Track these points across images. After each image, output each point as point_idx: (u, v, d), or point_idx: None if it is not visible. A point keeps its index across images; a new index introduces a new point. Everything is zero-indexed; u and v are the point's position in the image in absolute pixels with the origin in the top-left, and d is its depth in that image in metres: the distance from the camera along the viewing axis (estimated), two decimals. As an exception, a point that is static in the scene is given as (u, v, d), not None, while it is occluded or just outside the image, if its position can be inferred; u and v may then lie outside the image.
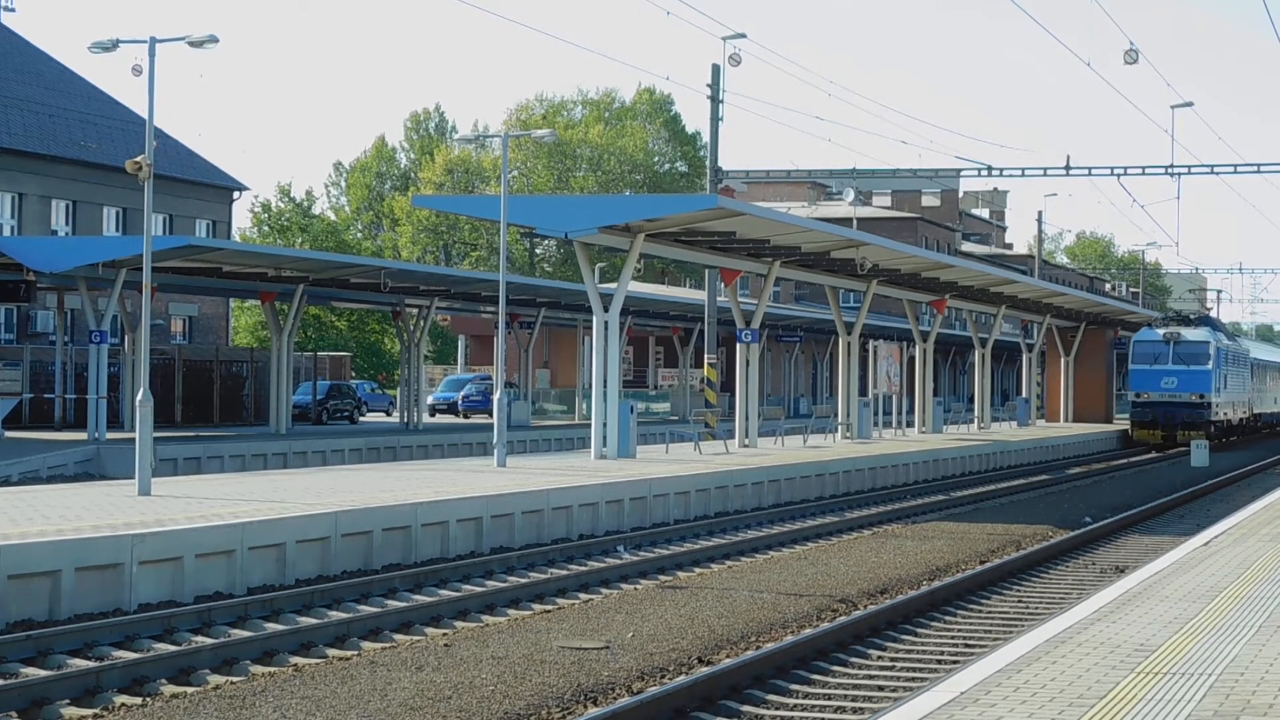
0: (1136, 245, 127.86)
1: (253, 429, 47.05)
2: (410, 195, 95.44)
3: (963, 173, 51.76)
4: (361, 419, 59.26)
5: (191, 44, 22.57)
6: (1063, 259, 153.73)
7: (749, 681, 12.98)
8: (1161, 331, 57.53)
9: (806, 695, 13.02)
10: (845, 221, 77.93)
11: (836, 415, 46.42)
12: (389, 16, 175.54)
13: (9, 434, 39.27)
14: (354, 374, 78.01)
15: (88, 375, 40.64)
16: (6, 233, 51.88)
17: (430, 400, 65.50)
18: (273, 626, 15.97)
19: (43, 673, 13.38)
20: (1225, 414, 58.76)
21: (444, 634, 15.58)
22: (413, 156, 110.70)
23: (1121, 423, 62.75)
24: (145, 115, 23.05)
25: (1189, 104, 55.23)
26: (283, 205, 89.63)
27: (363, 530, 20.20)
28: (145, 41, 22.61)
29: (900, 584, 19.10)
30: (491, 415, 42.26)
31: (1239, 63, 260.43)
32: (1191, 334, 57.12)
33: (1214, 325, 60.99)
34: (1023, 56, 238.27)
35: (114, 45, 23.03)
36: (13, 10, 62.12)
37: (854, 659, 14.51)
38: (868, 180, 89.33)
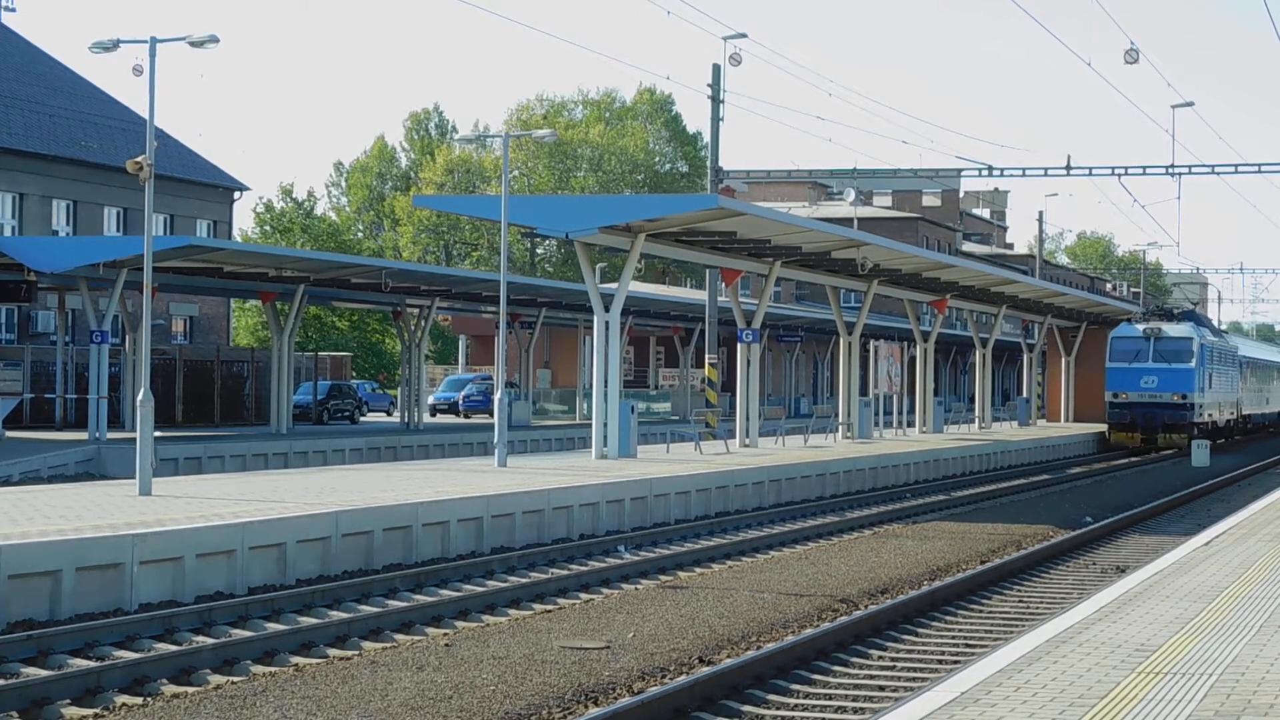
0: (1137, 245, 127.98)
1: (253, 429, 47.06)
2: (411, 195, 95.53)
3: (963, 173, 51.75)
4: (362, 419, 59.27)
5: (192, 44, 22.57)
6: (1063, 259, 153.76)
7: (750, 681, 12.98)
8: (1141, 327, 54.16)
9: (807, 695, 13.02)
10: (846, 221, 77.93)
11: (837, 415, 46.43)
12: (389, 16, 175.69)
13: (10, 434, 39.27)
14: (355, 374, 78.02)
15: (89, 375, 40.66)
16: (7, 233, 51.87)
17: (431, 400, 65.56)
18: (273, 626, 15.97)
19: (43, 673, 13.38)
20: (1210, 415, 55.50)
21: (445, 634, 15.58)
22: (413, 156, 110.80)
23: None
24: (146, 115, 23.05)
25: (1189, 104, 55.22)
26: (285, 205, 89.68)
27: (363, 530, 20.20)
28: (146, 41, 22.62)
29: (901, 584, 19.11)
30: (492, 415, 42.26)
31: (1239, 63, 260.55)
32: (1173, 330, 53.75)
33: (1198, 320, 57.26)
34: (1023, 56, 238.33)
35: (115, 45, 23.03)
36: (13, 10, 62.14)
37: (854, 659, 14.51)
38: (868, 180, 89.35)
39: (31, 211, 53.29)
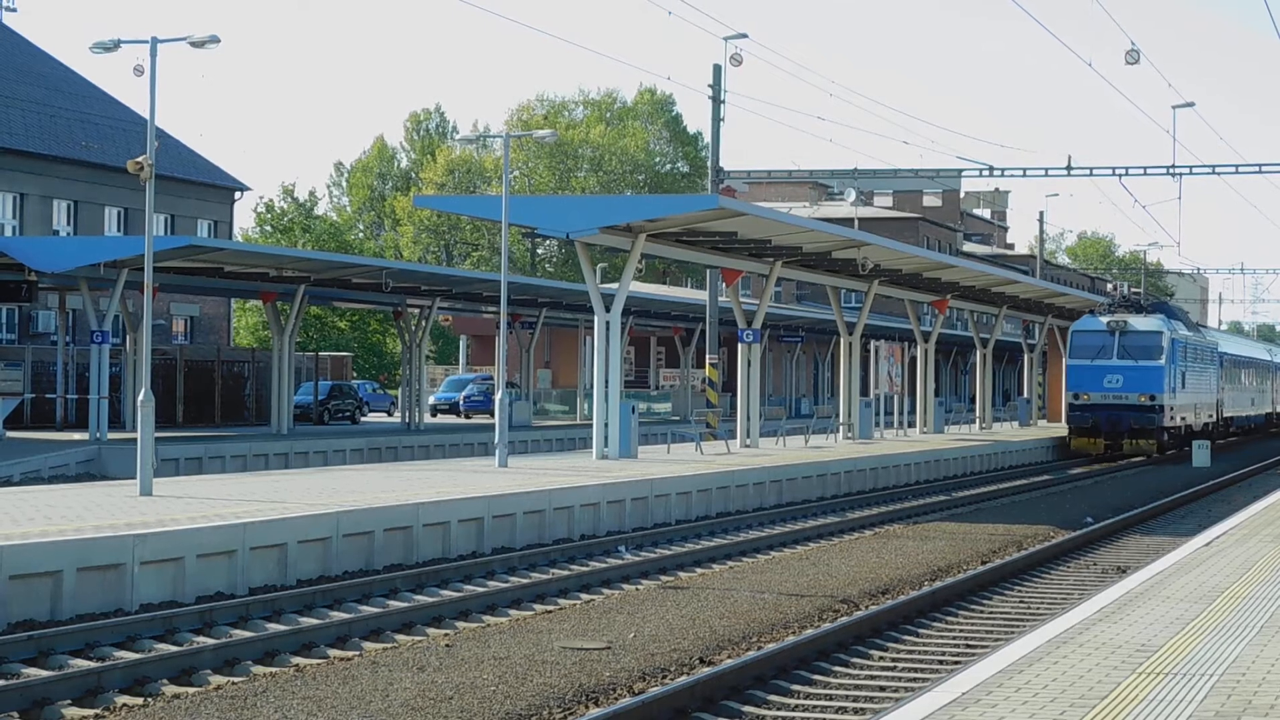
0: (1138, 245, 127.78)
1: (254, 429, 47.04)
2: (411, 195, 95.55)
3: (964, 173, 51.74)
4: (363, 419, 59.26)
5: (193, 44, 22.58)
6: (1064, 259, 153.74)
7: (750, 682, 12.98)
8: (1105, 320, 48.33)
9: (808, 696, 13.02)
10: (847, 222, 77.94)
11: (838, 415, 46.42)
12: (389, 16, 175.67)
13: (11, 434, 39.27)
14: (355, 374, 78.03)
15: (89, 375, 40.66)
16: (8, 233, 51.87)
17: (432, 400, 65.52)
18: (274, 627, 15.97)
19: (44, 673, 13.38)
20: (1184, 418, 50.01)
21: (445, 634, 15.58)
22: (414, 157, 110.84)
23: None
24: (146, 115, 23.06)
25: (1190, 104, 55.25)
26: (285, 205, 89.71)
27: (364, 530, 20.19)
28: (147, 42, 22.63)
29: (902, 584, 19.10)
30: (493, 415, 42.25)
31: (1240, 63, 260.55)
32: (1141, 323, 48.03)
33: (1169, 312, 51.53)
34: (1023, 56, 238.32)
35: (115, 45, 23.03)
36: (13, 10, 62.16)
37: (855, 659, 14.50)
38: (869, 180, 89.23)
39: (32, 211, 53.29)
